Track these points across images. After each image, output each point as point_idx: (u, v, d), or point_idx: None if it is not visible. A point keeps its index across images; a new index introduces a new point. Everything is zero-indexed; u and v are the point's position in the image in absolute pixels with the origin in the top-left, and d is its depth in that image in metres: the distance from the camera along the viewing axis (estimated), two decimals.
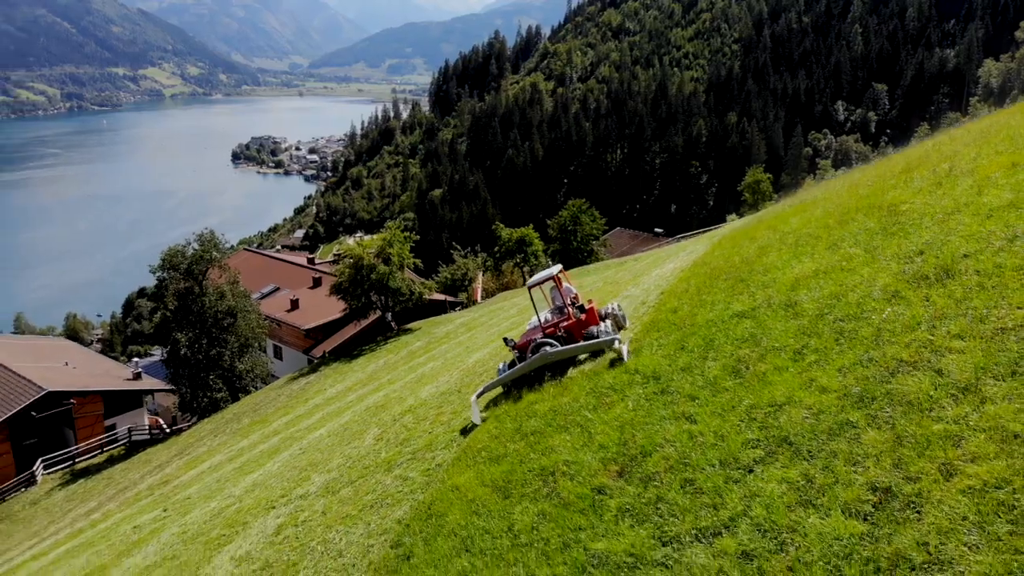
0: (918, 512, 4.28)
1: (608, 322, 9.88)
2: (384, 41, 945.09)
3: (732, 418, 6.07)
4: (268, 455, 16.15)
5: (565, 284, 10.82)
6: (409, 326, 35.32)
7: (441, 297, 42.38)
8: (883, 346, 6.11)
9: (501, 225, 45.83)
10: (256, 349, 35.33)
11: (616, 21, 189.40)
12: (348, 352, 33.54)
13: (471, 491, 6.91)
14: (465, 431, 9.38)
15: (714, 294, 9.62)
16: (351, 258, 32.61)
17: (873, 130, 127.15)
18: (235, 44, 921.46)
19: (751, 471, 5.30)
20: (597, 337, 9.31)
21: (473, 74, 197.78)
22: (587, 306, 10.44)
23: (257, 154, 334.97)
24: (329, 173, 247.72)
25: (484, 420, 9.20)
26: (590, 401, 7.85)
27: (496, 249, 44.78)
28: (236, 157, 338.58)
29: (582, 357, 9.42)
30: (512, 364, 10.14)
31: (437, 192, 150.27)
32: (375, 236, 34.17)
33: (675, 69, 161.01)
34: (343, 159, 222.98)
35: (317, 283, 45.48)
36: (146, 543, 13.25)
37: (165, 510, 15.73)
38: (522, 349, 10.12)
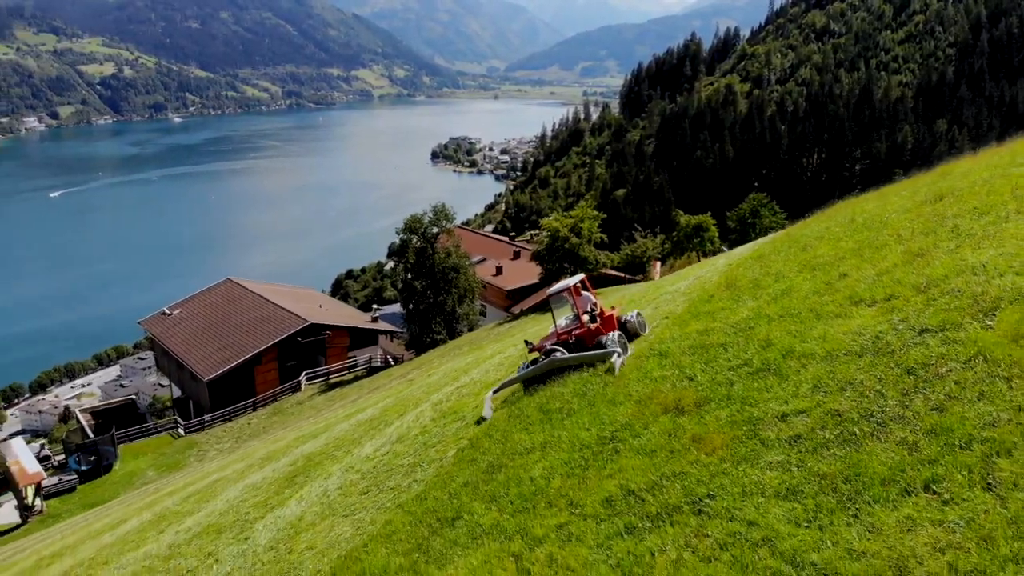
0: (848, 276, 9.47)
1: (616, 333, 10.52)
2: (579, 44, 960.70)
3: (790, 262, 11.36)
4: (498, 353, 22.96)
5: (584, 293, 11.69)
6: None
7: (620, 274, 47.99)
8: (885, 230, 11.06)
9: (679, 211, 50.37)
10: (471, 300, 43.26)
11: (820, 22, 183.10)
12: (542, 309, 40.21)
13: None
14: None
15: (813, 224, 14.63)
16: (549, 230, 39.21)
17: None
18: (438, 48, 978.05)
19: (787, 277, 10.65)
20: (604, 347, 10.11)
21: (666, 76, 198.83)
22: (607, 313, 11.21)
23: (454, 153, 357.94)
24: (518, 173, 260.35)
25: (494, 411, 10.32)
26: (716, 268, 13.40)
27: (674, 234, 49.24)
28: (435, 156, 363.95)
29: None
30: (532, 363, 10.84)
31: (620, 192, 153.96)
32: (571, 211, 40.39)
33: (882, 73, 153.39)
34: (532, 159, 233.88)
35: (516, 256, 53.21)
36: (417, 382, 20.32)
37: (431, 374, 22.95)
38: (540, 351, 10.98)
